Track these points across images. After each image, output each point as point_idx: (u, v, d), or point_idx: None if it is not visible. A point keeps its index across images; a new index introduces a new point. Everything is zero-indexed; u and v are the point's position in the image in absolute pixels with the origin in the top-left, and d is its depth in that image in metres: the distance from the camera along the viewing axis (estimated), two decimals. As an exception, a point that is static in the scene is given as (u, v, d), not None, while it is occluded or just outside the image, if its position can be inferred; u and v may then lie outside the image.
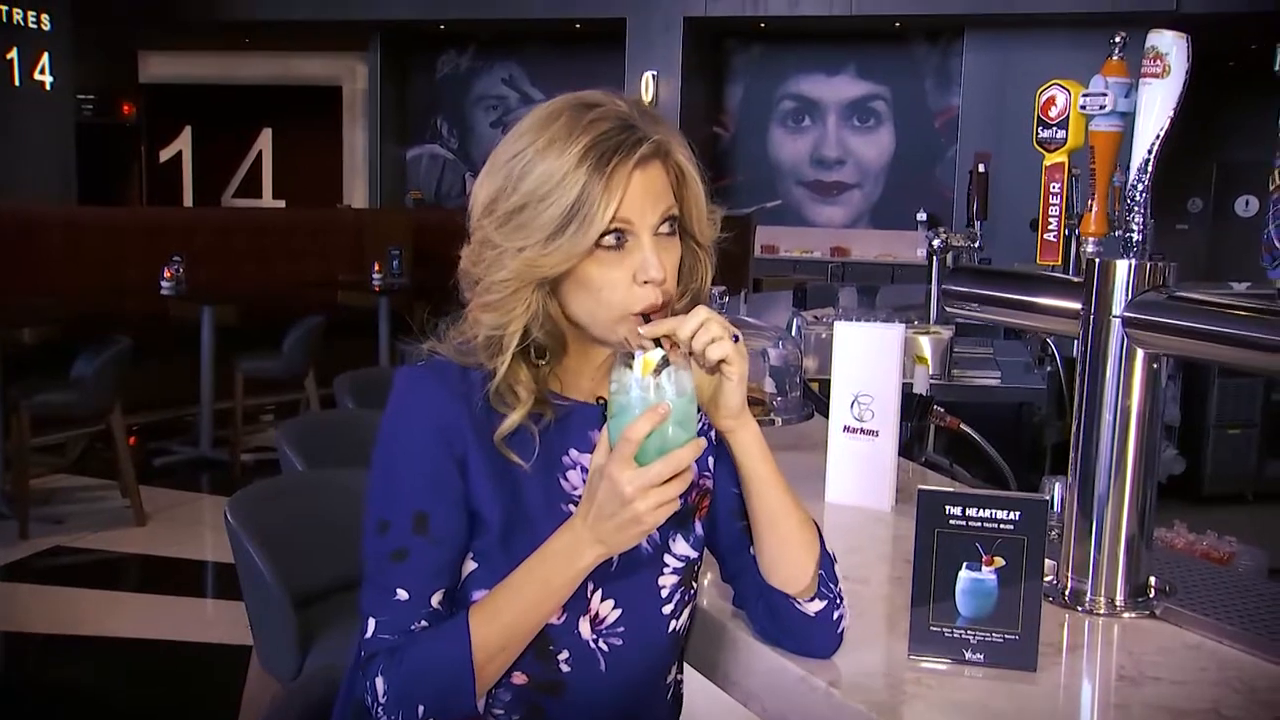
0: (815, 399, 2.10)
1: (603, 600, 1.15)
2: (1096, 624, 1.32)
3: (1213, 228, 10.61)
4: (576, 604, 1.12)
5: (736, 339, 1.07)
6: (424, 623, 1.09)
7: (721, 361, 1.06)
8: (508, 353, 1.10)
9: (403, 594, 1.09)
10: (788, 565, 1.15)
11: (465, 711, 1.09)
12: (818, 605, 1.16)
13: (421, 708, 1.07)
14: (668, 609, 1.19)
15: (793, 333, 2.93)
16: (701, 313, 1.06)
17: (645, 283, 1.07)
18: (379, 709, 1.07)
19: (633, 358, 1.02)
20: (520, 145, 1.08)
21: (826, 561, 1.17)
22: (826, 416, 1.75)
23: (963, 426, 2.21)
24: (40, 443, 5.04)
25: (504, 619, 1.07)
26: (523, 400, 1.11)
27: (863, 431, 1.69)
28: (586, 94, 1.11)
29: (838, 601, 1.18)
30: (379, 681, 1.07)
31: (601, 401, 1.15)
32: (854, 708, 1.10)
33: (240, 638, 3.24)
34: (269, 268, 6.69)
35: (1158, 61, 1.30)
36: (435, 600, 1.10)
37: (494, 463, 1.11)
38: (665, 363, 1.02)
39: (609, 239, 1.07)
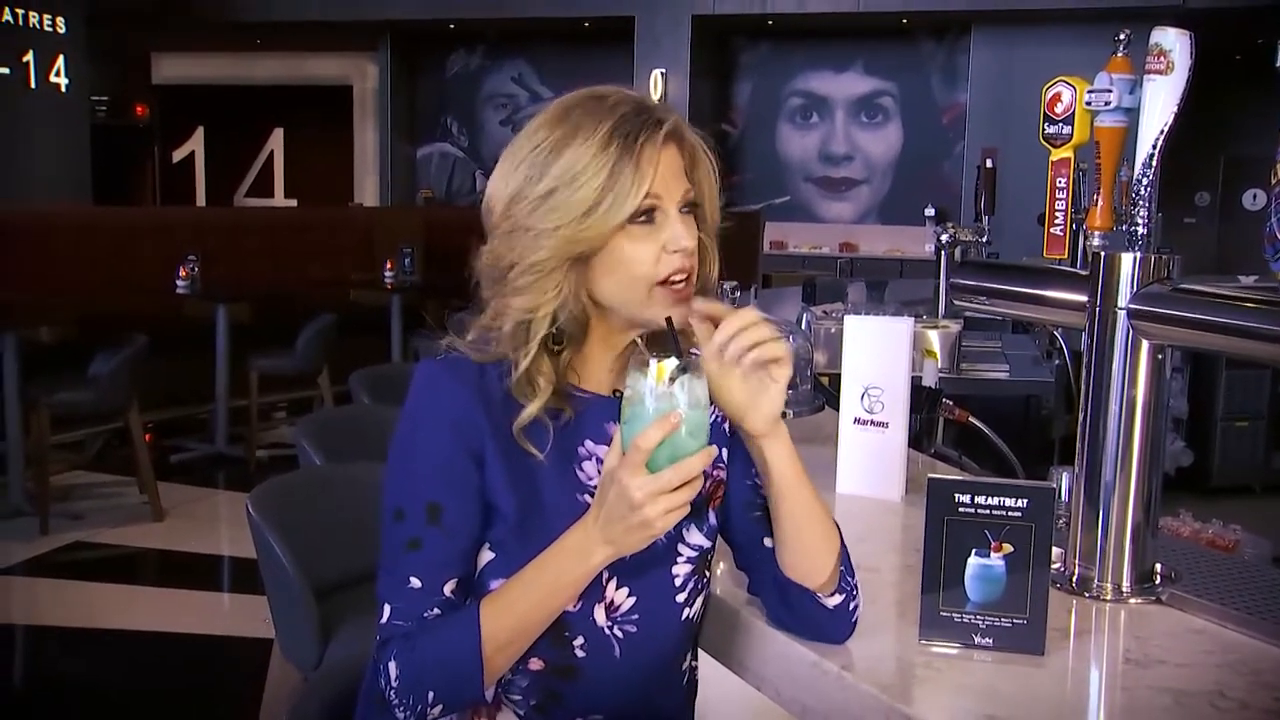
0: (825, 392, 2.13)
1: (618, 588, 1.17)
2: (1103, 609, 1.35)
3: (1220, 221, 10.58)
4: (592, 591, 1.15)
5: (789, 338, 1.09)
6: (436, 610, 1.11)
7: (771, 363, 1.08)
8: (534, 340, 1.12)
9: (416, 582, 1.11)
10: (810, 564, 1.17)
11: (473, 699, 1.12)
12: (837, 599, 1.19)
13: (431, 694, 1.09)
14: (681, 597, 1.21)
15: (803, 327, 2.96)
16: (751, 312, 1.08)
17: (675, 252, 1.11)
18: (391, 692, 1.10)
19: (647, 364, 1.04)
20: (539, 138, 1.12)
21: (844, 556, 1.20)
22: (837, 409, 1.78)
23: (971, 419, 2.23)
24: (59, 440, 5.09)
25: (514, 612, 1.10)
26: (542, 390, 1.13)
27: (873, 423, 1.72)
28: (595, 88, 1.15)
29: (854, 593, 1.20)
30: (392, 666, 1.10)
31: (619, 394, 1.17)
32: (866, 691, 1.13)
33: (257, 631, 3.29)
34: (282, 266, 6.72)
35: (1161, 58, 1.33)
36: (448, 589, 1.12)
37: (510, 454, 1.13)
38: (680, 370, 1.03)
39: (643, 215, 1.11)
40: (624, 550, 1.07)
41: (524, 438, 1.13)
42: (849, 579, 1.20)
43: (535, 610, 1.10)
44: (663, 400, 1.03)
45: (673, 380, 1.03)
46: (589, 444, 1.17)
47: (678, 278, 1.12)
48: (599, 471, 1.14)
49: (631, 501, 1.02)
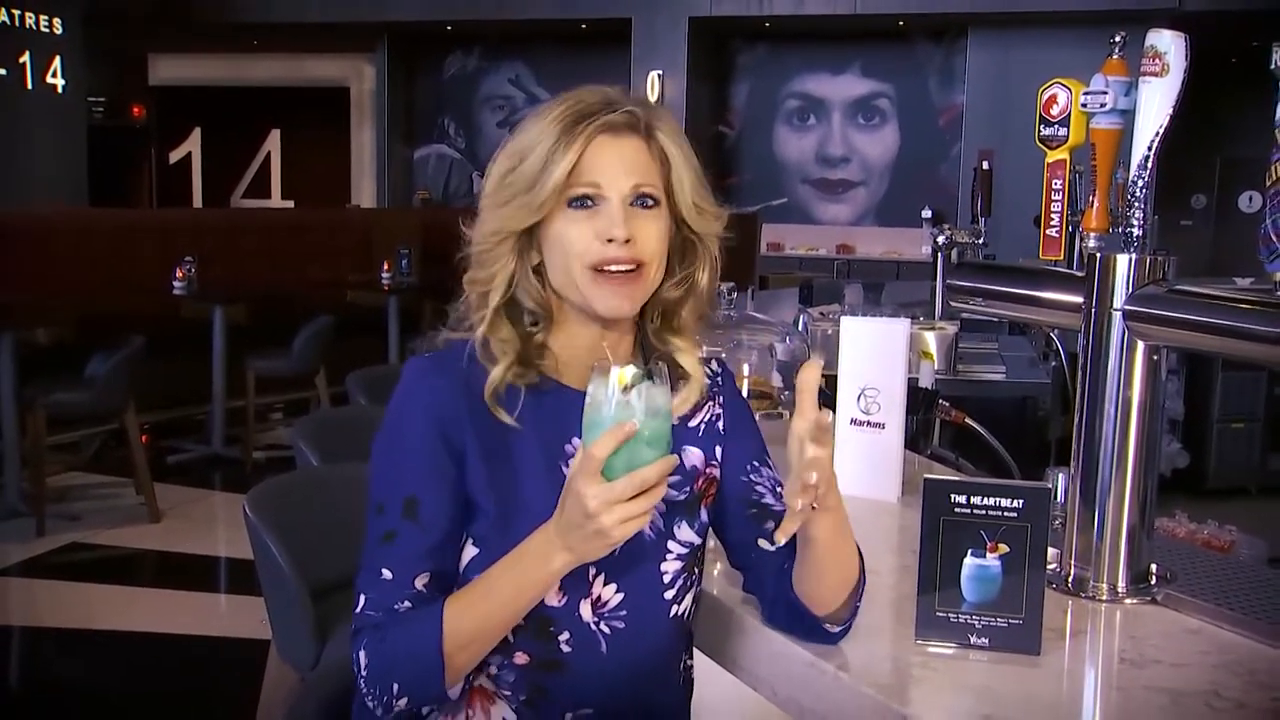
0: (822, 393, 2.13)
1: (605, 584, 1.17)
2: (1099, 610, 1.35)
3: (1216, 223, 10.60)
4: (578, 587, 1.15)
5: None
6: (407, 603, 1.12)
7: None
8: (489, 308, 1.16)
9: (387, 574, 1.13)
10: (827, 599, 1.18)
11: (436, 696, 1.12)
12: (841, 627, 1.20)
13: (396, 685, 1.10)
14: (669, 594, 1.21)
15: (799, 329, 2.97)
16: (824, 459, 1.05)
17: (608, 241, 1.13)
18: (361, 681, 1.12)
19: (608, 370, 1.03)
20: (520, 129, 1.18)
21: (860, 588, 1.20)
22: (833, 410, 1.78)
23: (968, 420, 2.23)
24: (56, 441, 5.08)
25: (476, 612, 1.10)
26: (504, 355, 1.16)
27: (869, 424, 1.72)
28: (597, 86, 1.18)
29: (858, 606, 1.21)
30: (362, 655, 1.11)
31: None
32: (862, 691, 1.13)
33: (254, 631, 3.29)
34: (279, 268, 6.72)
35: (1157, 60, 1.33)
36: (419, 583, 1.13)
37: (493, 451, 1.14)
38: (640, 378, 1.02)
39: (580, 199, 1.13)
40: (585, 557, 1.07)
41: (496, 405, 1.14)
42: (857, 604, 1.21)
43: (497, 611, 1.11)
44: (620, 408, 1.02)
45: (631, 388, 1.02)
46: (575, 442, 1.16)
47: (612, 267, 1.14)
48: None
49: (586, 510, 1.01)
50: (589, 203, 1.14)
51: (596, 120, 1.13)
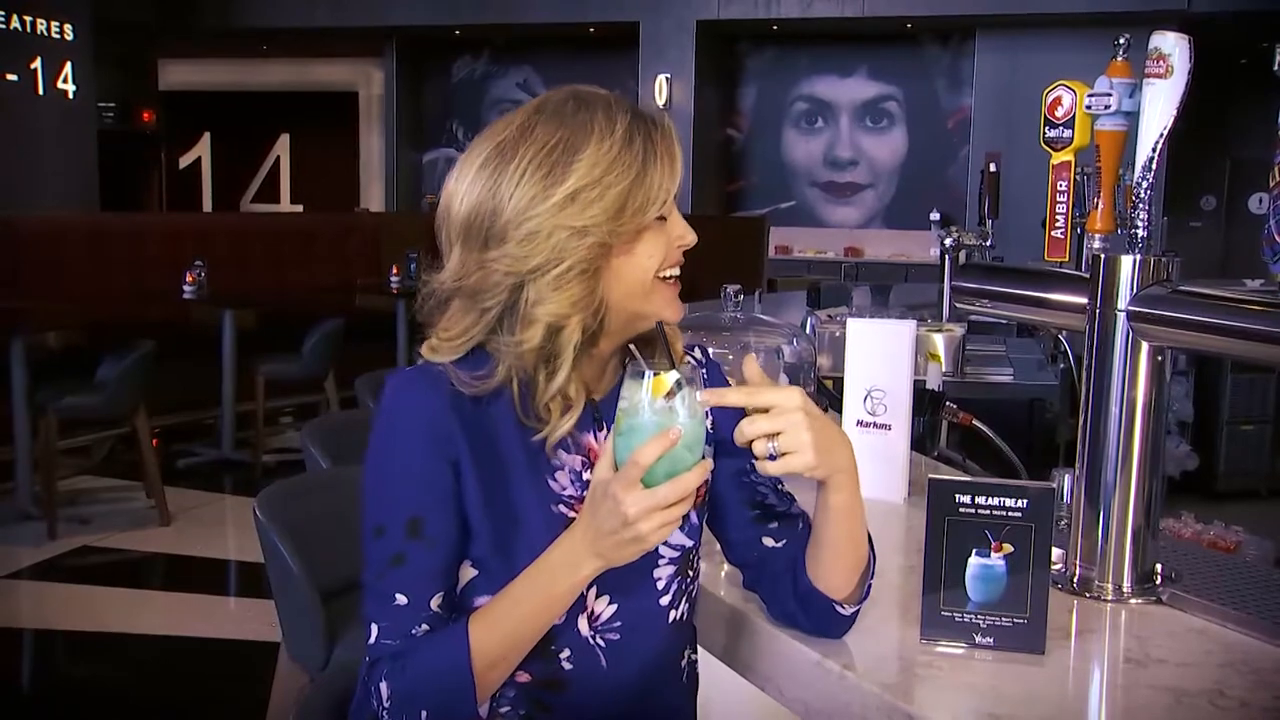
0: (829, 395, 2.13)
1: (598, 597, 1.15)
2: (1104, 609, 1.36)
3: (1226, 225, 10.58)
4: (576, 602, 1.13)
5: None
6: (425, 626, 1.09)
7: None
8: (568, 351, 1.09)
9: (402, 599, 1.09)
10: (839, 580, 1.18)
11: (467, 717, 1.10)
12: (854, 608, 1.20)
13: (424, 712, 1.07)
14: (665, 600, 1.19)
15: (807, 331, 2.97)
16: (778, 395, 1.06)
17: (678, 246, 1.13)
18: (384, 714, 1.08)
19: (643, 375, 1.02)
20: (543, 139, 1.08)
21: (871, 568, 1.20)
22: (840, 412, 1.79)
23: (975, 422, 2.23)
24: (67, 445, 5.11)
25: (504, 627, 1.08)
26: (576, 402, 1.12)
27: (876, 425, 1.73)
28: (574, 87, 1.14)
29: (870, 584, 1.21)
30: (383, 686, 1.07)
31: (592, 402, 1.16)
32: (868, 690, 1.14)
33: (263, 634, 3.31)
34: (288, 272, 6.75)
35: (1161, 62, 1.34)
36: (434, 604, 1.10)
37: (482, 467, 1.11)
38: (679, 385, 1.02)
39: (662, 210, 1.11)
40: (614, 562, 1.06)
41: (555, 453, 1.12)
42: (870, 582, 1.21)
43: (524, 625, 1.09)
44: (662, 414, 1.01)
45: (671, 395, 1.01)
46: (561, 454, 1.14)
47: (676, 271, 1.14)
48: (571, 482, 1.13)
49: (625, 517, 1.00)
50: (662, 212, 1.11)
51: (669, 132, 1.11)
